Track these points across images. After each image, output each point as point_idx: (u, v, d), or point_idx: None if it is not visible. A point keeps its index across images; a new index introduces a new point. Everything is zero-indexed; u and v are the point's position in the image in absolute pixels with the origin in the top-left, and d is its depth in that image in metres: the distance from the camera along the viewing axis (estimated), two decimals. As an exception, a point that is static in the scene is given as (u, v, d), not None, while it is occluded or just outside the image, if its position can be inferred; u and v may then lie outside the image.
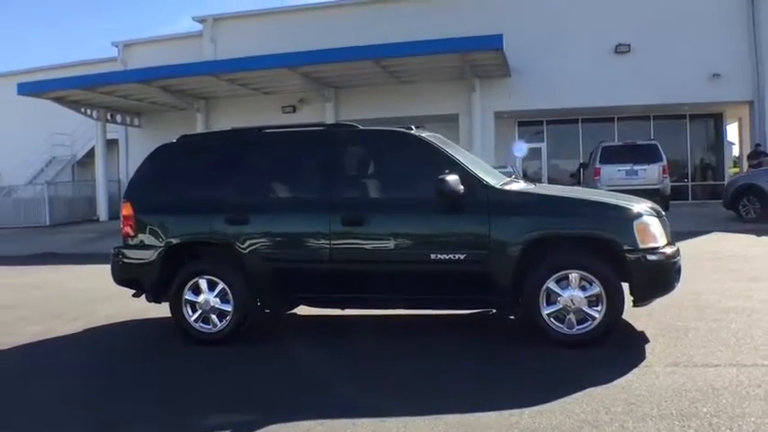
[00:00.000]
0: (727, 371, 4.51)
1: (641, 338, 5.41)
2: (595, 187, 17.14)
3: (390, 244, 5.60)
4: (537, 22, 20.82)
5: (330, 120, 22.28)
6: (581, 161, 20.53)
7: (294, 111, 23.35)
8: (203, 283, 5.95)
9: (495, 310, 5.93)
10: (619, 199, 5.60)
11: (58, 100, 21.97)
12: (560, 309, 5.21)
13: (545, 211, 5.37)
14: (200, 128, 23.73)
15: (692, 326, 5.73)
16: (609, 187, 16.67)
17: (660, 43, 20.13)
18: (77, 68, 24.65)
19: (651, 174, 16.67)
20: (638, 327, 5.79)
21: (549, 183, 22.76)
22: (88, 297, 8.89)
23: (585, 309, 5.18)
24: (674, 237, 5.59)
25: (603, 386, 4.33)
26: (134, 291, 6.47)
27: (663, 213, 5.54)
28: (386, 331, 6.30)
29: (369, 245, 5.64)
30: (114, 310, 7.66)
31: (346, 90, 22.26)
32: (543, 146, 23.08)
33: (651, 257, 5.09)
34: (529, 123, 22.95)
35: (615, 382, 4.38)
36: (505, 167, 16.22)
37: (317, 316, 6.84)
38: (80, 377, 5.30)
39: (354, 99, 22.18)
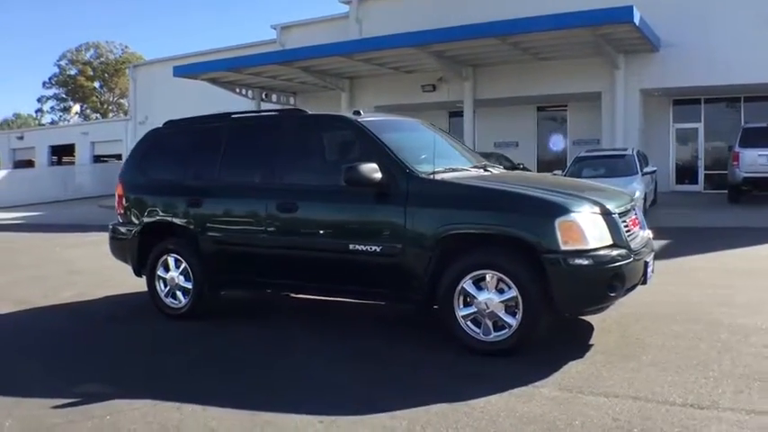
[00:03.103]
0: (614, 404, 3.77)
1: (573, 353, 4.68)
2: (734, 175, 15.13)
3: (315, 232, 5.40)
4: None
5: (468, 99, 21.88)
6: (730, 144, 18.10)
7: (434, 89, 23.11)
8: (171, 261, 6.22)
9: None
10: (561, 192, 4.83)
11: (213, 81, 23.70)
12: (475, 312, 4.68)
13: (462, 204, 4.79)
14: (344, 107, 24.41)
15: (657, 344, 4.86)
16: (750, 174, 14.62)
17: None
18: (240, 51, 26.33)
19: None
20: (594, 338, 5.06)
21: (706, 168, 20.45)
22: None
23: (501, 314, 4.60)
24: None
25: (456, 403, 3.86)
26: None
27: (616, 211, 4.72)
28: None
29: (298, 231, 5.49)
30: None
31: (484, 68, 21.55)
32: (700, 126, 20.57)
33: (574, 261, 4.36)
34: (684, 102, 20.58)
35: (473, 402, 3.87)
36: (625, 150, 14.86)
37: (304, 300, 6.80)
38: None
39: (492, 77, 21.43)
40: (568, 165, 15.17)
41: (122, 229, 6.66)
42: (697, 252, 9.59)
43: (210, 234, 5.91)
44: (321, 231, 5.36)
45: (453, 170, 5.30)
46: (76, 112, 63.65)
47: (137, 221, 6.47)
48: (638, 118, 19.23)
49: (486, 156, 17.93)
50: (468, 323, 4.73)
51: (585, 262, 4.37)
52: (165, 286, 6.26)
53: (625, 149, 15.04)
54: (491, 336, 4.66)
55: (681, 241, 10.66)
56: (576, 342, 4.97)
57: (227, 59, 22.86)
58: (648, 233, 5.46)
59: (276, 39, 27.75)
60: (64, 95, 65.15)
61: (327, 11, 27.84)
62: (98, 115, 62.22)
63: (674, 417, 3.54)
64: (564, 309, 4.58)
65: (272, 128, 5.95)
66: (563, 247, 4.38)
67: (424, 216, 4.83)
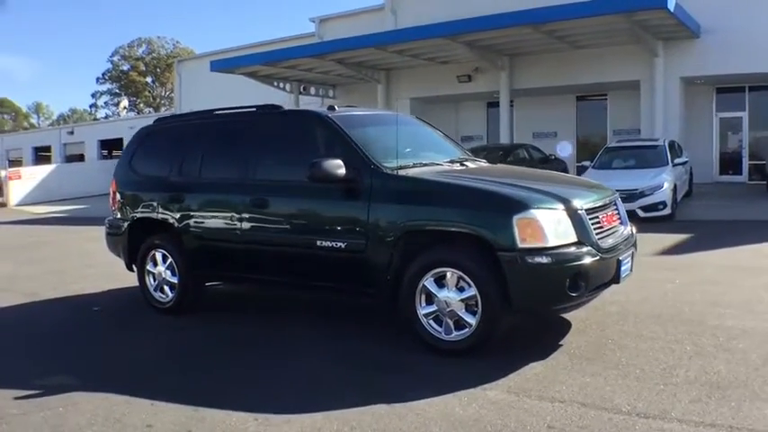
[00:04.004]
0: (556, 410, 3.63)
1: (538, 354, 4.52)
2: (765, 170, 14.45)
3: (285, 228, 5.37)
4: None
5: (504, 89, 21.51)
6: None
7: (469, 80, 22.76)
8: (159, 256, 6.30)
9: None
10: (527, 188, 4.64)
11: (250, 75, 23.91)
12: (437, 310, 4.57)
13: (422, 200, 4.66)
14: (380, 99, 24.34)
15: (630, 346, 4.66)
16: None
17: None
18: (278, 45, 26.50)
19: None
20: (567, 338, 4.88)
21: (750, 158, 19.59)
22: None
23: (461, 313, 4.48)
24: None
25: (396, 404, 3.80)
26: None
27: (585, 207, 4.52)
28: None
29: (270, 227, 5.47)
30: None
31: (521, 58, 21.11)
32: (744, 115, 19.65)
33: (531, 260, 4.20)
34: (728, 90, 19.69)
35: (413, 404, 3.79)
36: (657, 140, 14.36)
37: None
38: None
39: (529, 67, 20.98)
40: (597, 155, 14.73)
41: (115, 225, 6.78)
42: (717, 247, 9.20)
43: (192, 230, 5.96)
44: (290, 227, 5.33)
45: (423, 165, 5.18)
46: (125, 107, 65.31)
47: (127, 217, 6.57)
48: (679, 107, 18.52)
49: (513, 147, 17.95)
50: (431, 322, 4.62)
51: (544, 260, 4.20)
52: (154, 281, 6.35)
53: (656, 140, 14.53)
54: (452, 335, 4.54)
55: (704, 235, 10.27)
56: (545, 342, 4.81)
57: (262, 54, 22.99)
58: (630, 229, 5.23)
59: (315, 32, 27.81)
60: (117, 90, 66.98)
61: (366, 2, 27.56)
62: (151, 110, 63.71)
63: (613, 426, 3.39)
64: (522, 309, 4.42)
65: (248, 125, 5.93)
66: (520, 245, 4.22)
67: (386, 212, 4.74)
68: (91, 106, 72.19)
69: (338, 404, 3.83)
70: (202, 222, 5.92)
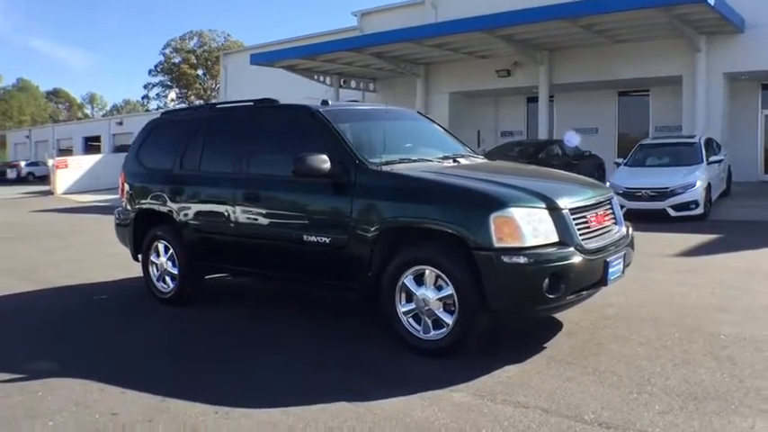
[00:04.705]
0: (516, 415, 3.53)
1: (518, 356, 4.41)
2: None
3: (275, 222, 5.37)
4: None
5: (543, 84, 21.14)
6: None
7: (508, 75, 22.44)
8: (161, 247, 6.39)
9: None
10: (508, 186, 4.51)
11: (290, 68, 24.05)
12: (416, 309, 4.50)
13: (402, 196, 4.58)
14: (419, 93, 24.21)
15: (616, 351, 4.50)
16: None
17: None
18: (320, 38, 26.55)
19: None
20: (553, 340, 4.77)
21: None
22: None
23: (438, 312, 4.40)
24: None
25: (358, 403, 3.77)
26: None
27: (570, 206, 4.38)
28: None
29: (261, 221, 5.48)
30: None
31: (560, 52, 20.69)
32: (789, 113, 18.94)
33: (508, 259, 4.08)
34: (775, 86, 19.00)
35: (375, 403, 3.76)
36: (692, 137, 13.89)
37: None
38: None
39: (569, 61, 20.54)
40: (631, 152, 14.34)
41: (122, 215, 6.91)
42: (743, 249, 8.83)
43: (190, 222, 6.03)
44: (280, 221, 5.33)
45: (411, 161, 5.10)
46: (173, 99, 66.57)
47: (133, 208, 6.69)
48: (722, 103, 17.88)
49: (545, 143, 17.61)
50: (410, 320, 4.56)
51: (521, 260, 4.08)
52: (157, 271, 6.45)
53: (692, 137, 14.05)
54: (431, 334, 4.47)
55: (733, 236, 9.90)
56: (529, 344, 4.68)
57: (300, 47, 23.11)
58: (625, 230, 5.05)
59: (357, 25, 27.82)
60: (168, 83, 68.34)
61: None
62: (201, 101, 64.79)
63: (570, 434, 3.27)
64: (498, 309, 4.31)
65: (246, 119, 5.94)
66: (496, 244, 4.11)
67: (368, 208, 4.69)
68: (143, 97, 73.97)
69: (301, 401, 3.81)
70: (200, 215, 5.97)
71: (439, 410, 3.61)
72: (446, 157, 5.45)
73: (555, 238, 4.24)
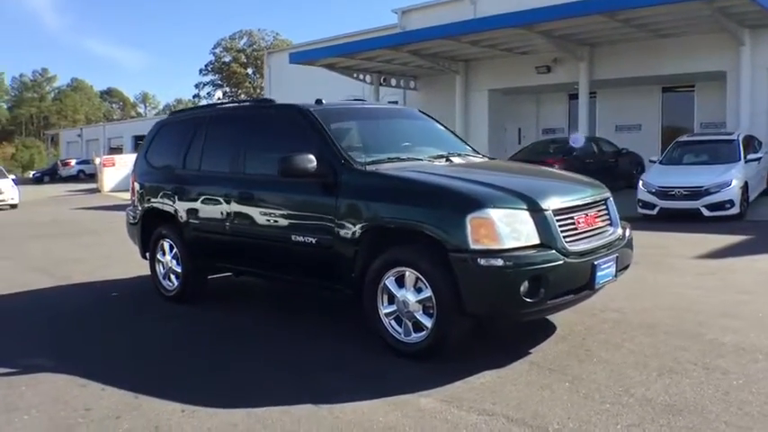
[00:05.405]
0: (476, 423, 3.44)
1: (499, 361, 4.30)
2: None
3: (268, 222, 5.36)
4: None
5: (584, 80, 20.68)
6: None
7: (548, 71, 22.00)
8: (167, 246, 6.50)
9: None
10: (489, 185, 4.38)
11: (329, 67, 24.09)
12: (397, 311, 4.45)
13: (385, 197, 4.51)
14: (458, 91, 23.98)
15: (603, 358, 4.34)
16: None
17: None
18: (361, 36, 26.61)
19: None
20: (541, 345, 4.64)
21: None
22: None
23: (418, 315, 4.33)
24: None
25: (322, 406, 3.75)
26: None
27: (554, 207, 4.24)
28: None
29: (254, 221, 5.48)
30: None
31: (601, 48, 20.18)
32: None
33: (484, 262, 3.98)
34: (827, 82, 18.07)
35: (338, 406, 3.73)
36: (731, 135, 13.37)
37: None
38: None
39: (611, 57, 19.99)
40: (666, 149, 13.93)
41: (132, 214, 7.04)
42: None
43: (191, 221, 6.10)
44: (272, 221, 5.32)
45: (399, 160, 5.03)
46: (219, 98, 67.63)
47: (141, 207, 6.81)
48: (767, 99, 17.18)
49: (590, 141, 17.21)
50: (392, 322, 4.51)
51: (498, 263, 3.97)
52: (163, 269, 6.56)
53: (731, 134, 13.53)
54: (411, 336, 4.41)
55: (766, 237, 9.48)
56: (515, 348, 4.57)
57: (338, 45, 23.13)
58: (621, 231, 4.86)
59: (398, 23, 27.74)
60: (219, 81, 69.52)
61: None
62: (251, 100, 65.50)
63: (526, 443, 3.17)
64: (475, 313, 4.21)
65: (242, 118, 5.98)
66: (473, 246, 4.01)
67: (352, 208, 4.65)
68: (194, 96, 75.41)
69: (269, 402, 3.81)
70: (198, 213, 6.04)
71: (402, 416, 3.55)
72: (439, 156, 5.35)
73: (536, 240, 4.11)
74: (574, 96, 23.67)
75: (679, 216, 11.58)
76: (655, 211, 11.88)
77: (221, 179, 5.80)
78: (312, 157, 4.77)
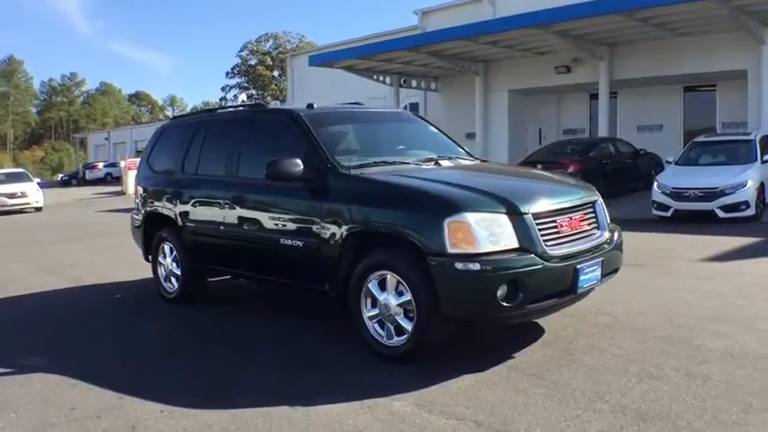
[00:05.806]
0: (445, 427, 3.46)
1: (480, 365, 4.30)
2: None
3: (258, 225, 5.43)
4: None
5: (604, 79, 20.48)
6: None
7: (568, 71, 21.83)
8: (167, 249, 6.61)
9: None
10: (470, 188, 4.41)
11: (348, 69, 24.19)
12: (379, 314, 4.49)
13: (367, 200, 4.55)
14: (478, 91, 23.90)
15: (585, 363, 4.33)
16: None
17: None
18: (381, 38, 26.63)
19: None
20: (526, 349, 4.63)
21: None
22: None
23: (399, 318, 4.37)
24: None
25: (298, 408, 3.80)
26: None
27: (534, 211, 4.24)
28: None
29: (246, 225, 5.56)
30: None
31: (621, 47, 19.98)
32: None
33: (461, 266, 4.00)
34: None
35: (313, 409, 3.78)
36: (748, 135, 13.15)
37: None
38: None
39: (630, 56, 19.78)
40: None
41: (136, 218, 7.18)
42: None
43: (188, 224, 6.21)
44: (262, 224, 5.38)
45: (386, 164, 5.07)
46: (243, 101, 68.14)
47: (144, 211, 6.94)
48: (788, 98, 16.85)
49: (597, 142, 17.08)
50: (375, 325, 4.54)
51: (475, 267, 3.98)
52: (164, 272, 6.68)
53: (748, 134, 13.31)
54: (393, 340, 4.45)
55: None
56: (498, 352, 4.57)
57: (357, 47, 23.24)
58: (608, 234, 4.83)
59: (418, 24, 27.74)
60: (245, 84, 70.13)
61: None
62: (277, 102, 66.14)
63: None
64: (453, 317, 4.22)
65: (236, 123, 6.08)
66: (450, 250, 4.03)
67: (336, 211, 4.70)
68: (221, 99, 76.19)
69: (246, 403, 3.88)
70: (194, 217, 6.14)
71: (373, 419, 3.58)
72: (428, 160, 5.37)
73: (514, 244, 4.12)
74: (595, 96, 23.42)
75: (693, 218, 11.43)
76: (669, 213, 11.74)
77: (216, 183, 5.89)
78: (299, 161, 4.84)
